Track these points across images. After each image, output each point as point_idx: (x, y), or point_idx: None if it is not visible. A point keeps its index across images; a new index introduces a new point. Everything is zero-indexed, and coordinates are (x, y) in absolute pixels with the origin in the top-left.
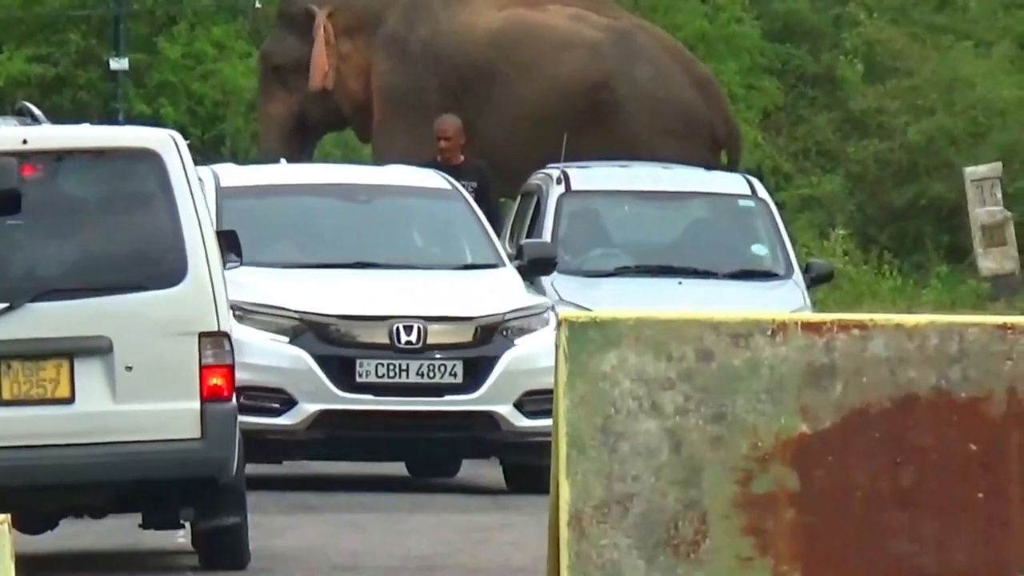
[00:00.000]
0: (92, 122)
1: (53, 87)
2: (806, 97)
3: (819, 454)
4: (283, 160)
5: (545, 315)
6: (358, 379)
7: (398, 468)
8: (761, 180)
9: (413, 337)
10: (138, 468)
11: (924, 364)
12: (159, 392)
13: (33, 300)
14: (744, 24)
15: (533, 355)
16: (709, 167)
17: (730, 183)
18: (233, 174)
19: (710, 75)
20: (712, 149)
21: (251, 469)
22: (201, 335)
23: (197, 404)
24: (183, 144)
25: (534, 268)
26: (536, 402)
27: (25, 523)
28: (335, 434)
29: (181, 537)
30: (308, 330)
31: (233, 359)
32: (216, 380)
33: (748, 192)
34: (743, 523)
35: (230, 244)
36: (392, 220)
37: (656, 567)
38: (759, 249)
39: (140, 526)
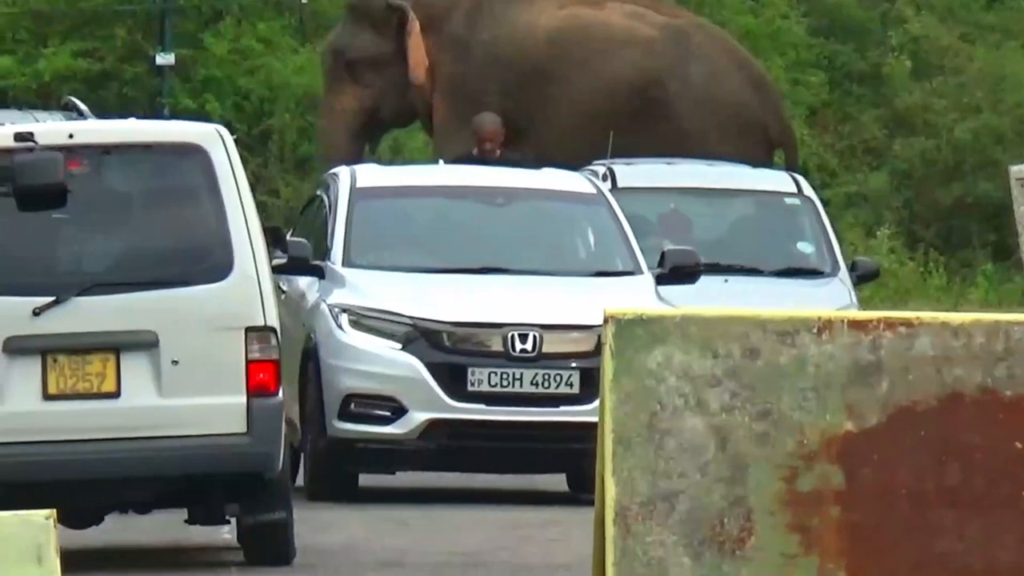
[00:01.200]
0: (138, 117)
1: (99, 82)
2: (852, 94)
3: (865, 452)
4: (366, 160)
5: None
6: (470, 388)
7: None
8: (807, 177)
9: (528, 345)
10: (184, 463)
11: (970, 362)
12: (205, 387)
13: (79, 294)
14: (790, 20)
15: None
16: (761, 165)
17: (776, 181)
18: (371, 174)
19: (766, 75)
20: (766, 149)
21: (362, 480)
22: (247, 330)
23: (243, 399)
24: (229, 139)
25: (676, 276)
26: None
27: (71, 518)
28: (445, 444)
29: (227, 533)
30: (420, 337)
31: (279, 354)
32: (262, 375)
33: (794, 190)
34: (788, 520)
35: (275, 240)
36: (528, 224)
37: (702, 564)
38: (805, 247)
39: (186, 521)
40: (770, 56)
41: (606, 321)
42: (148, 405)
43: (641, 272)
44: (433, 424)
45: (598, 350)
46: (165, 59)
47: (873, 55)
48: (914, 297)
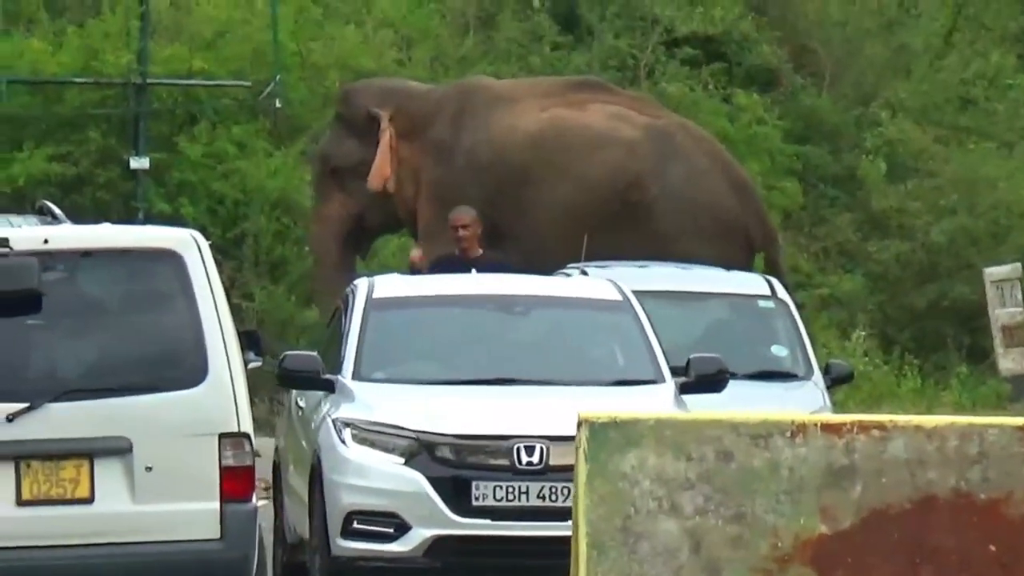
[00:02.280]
0: (112, 221)
1: (73, 186)
2: (827, 196)
3: (839, 555)
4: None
5: None
6: (474, 503)
7: None
8: (781, 280)
9: (535, 458)
10: (158, 569)
11: (944, 465)
12: (179, 493)
13: (53, 400)
14: (765, 125)
15: None
16: (741, 269)
17: (749, 283)
18: (390, 285)
19: (748, 178)
20: (746, 251)
21: None
22: (221, 436)
23: (217, 505)
24: (204, 244)
25: (701, 383)
26: None
27: None
28: (451, 561)
29: None
30: (423, 450)
31: (253, 460)
32: (236, 481)
33: (768, 292)
34: None
35: (251, 343)
36: (547, 333)
37: None
38: (779, 350)
39: None
40: (746, 161)
41: (580, 424)
42: (122, 511)
43: (663, 380)
44: (438, 541)
45: None
46: (139, 163)
47: (848, 158)
48: (888, 400)
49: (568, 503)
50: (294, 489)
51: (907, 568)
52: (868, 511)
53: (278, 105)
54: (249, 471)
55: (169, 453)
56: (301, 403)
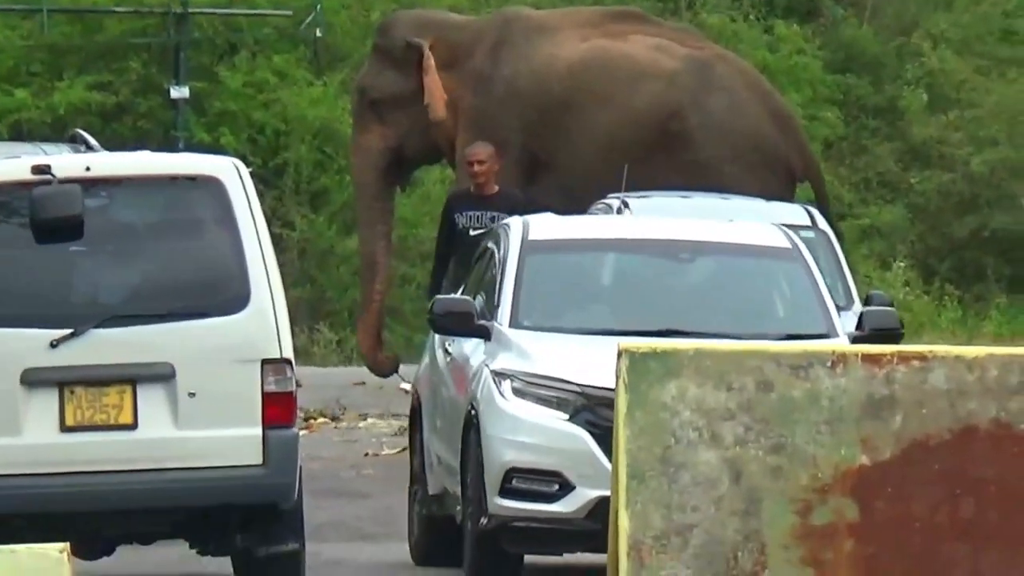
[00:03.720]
0: (152, 150)
1: (113, 115)
2: (868, 128)
3: (879, 485)
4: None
5: None
6: None
7: None
8: (822, 210)
9: None
10: (201, 494)
11: (984, 396)
12: (221, 419)
13: (96, 326)
14: (806, 55)
15: None
16: (781, 199)
17: (790, 213)
18: (545, 226)
19: (789, 108)
20: (786, 182)
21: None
22: (264, 362)
23: (259, 431)
24: (245, 171)
25: (875, 339)
26: None
27: (82, 549)
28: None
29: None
30: (590, 406)
31: (295, 386)
32: (278, 407)
33: (808, 223)
34: (802, 554)
35: None
36: (714, 282)
37: None
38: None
39: (197, 552)
40: (787, 91)
41: (620, 355)
42: (164, 437)
43: (836, 335)
44: (602, 502)
45: None
46: (180, 92)
47: (889, 89)
48: (928, 330)
49: None
50: (441, 441)
51: (947, 498)
52: (908, 442)
53: (319, 34)
54: (291, 397)
55: (212, 379)
56: (450, 348)
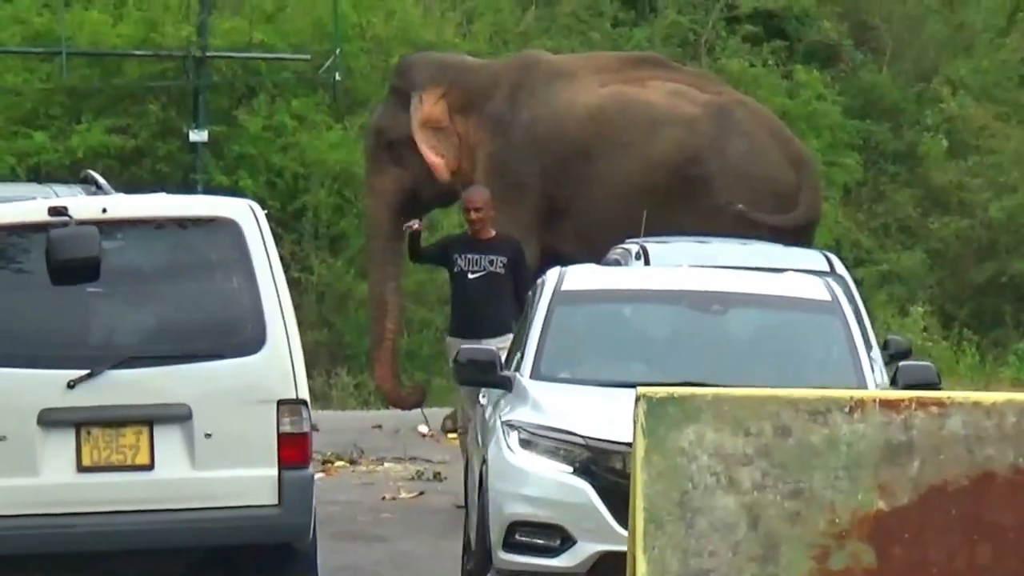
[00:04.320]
0: (170, 193)
1: (132, 158)
2: (887, 173)
3: (896, 531)
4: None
5: None
6: None
7: None
8: (840, 257)
9: None
10: (217, 535)
11: (1002, 442)
12: (237, 459)
13: (114, 367)
14: (826, 101)
15: None
16: (798, 244)
17: (809, 260)
18: (580, 276)
19: (807, 154)
20: (803, 227)
21: None
22: (279, 403)
23: (275, 471)
24: (261, 213)
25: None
26: None
27: None
28: None
29: None
30: (594, 459)
31: (311, 426)
32: (294, 447)
33: (827, 269)
34: None
35: None
36: (743, 335)
37: None
38: None
39: None
40: (806, 137)
41: (637, 400)
42: (181, 477)
43: (865, 387)
44: (605, 557)
45: None
46: (199, 136)
47: (909, 134)
48: (946, 376)
49: None
50: (469, 493)
51: (965, 544)
52: (926, 487)
53: (338, 78)
54: (306, 438)
55: (228, 420)
56: (483, 400)
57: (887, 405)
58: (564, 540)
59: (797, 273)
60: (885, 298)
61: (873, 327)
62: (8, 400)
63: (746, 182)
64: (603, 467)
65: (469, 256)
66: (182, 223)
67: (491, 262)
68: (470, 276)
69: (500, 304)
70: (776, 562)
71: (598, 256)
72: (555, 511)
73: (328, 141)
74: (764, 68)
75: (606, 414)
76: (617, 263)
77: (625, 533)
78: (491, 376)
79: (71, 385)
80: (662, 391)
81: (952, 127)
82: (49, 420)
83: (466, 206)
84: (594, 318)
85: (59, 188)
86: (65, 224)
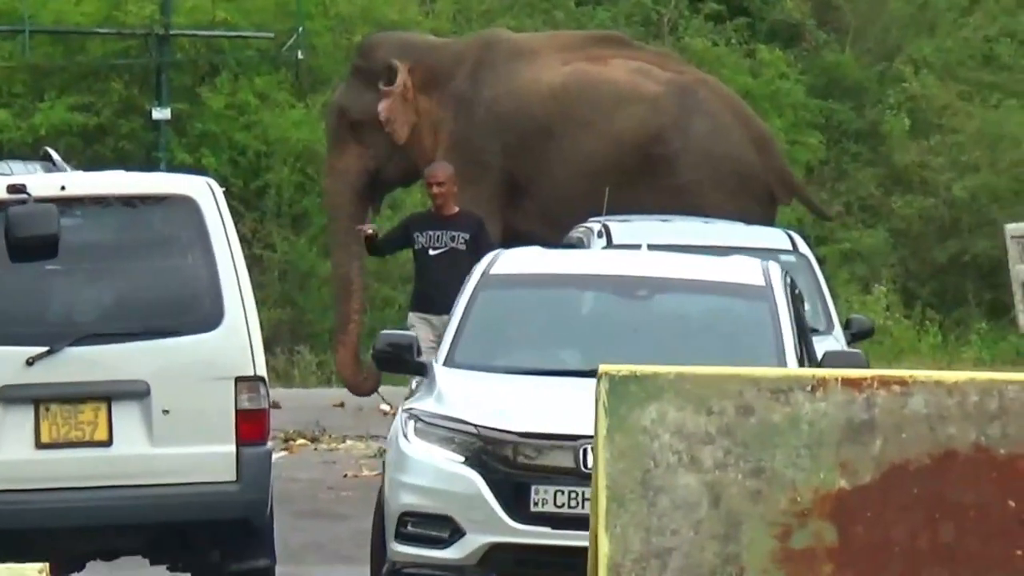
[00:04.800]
0: (133, 171)
1: (95, 136)
2: (850, 152)
3: (858, 510)
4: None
5: None
6: (533, 508)
7: None
8: (803, 235)
9: None
10: (175, 511)
11: (964, 420)
12: (195, 436)
13: (72, 344)
14: (788, 80)
15: None
16: (762, 223)
17: (771, 238)
18: (513, 260)
19: (769, 133)
20: (767, 206)
21: None
22: (237, 379)
23: (233, 448)
24: (219, 191)
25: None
26: None
27: (54, 566)
28: (507, 570)
29: None
30: (485, 449)
31: (268, 403)
32: (251, 424)
33: (789, 247)
34: None
35: None
36: (665, 321)
37: None
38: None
39: (168, 568)
40: (769, 116)
41: (600, 377)
42: (139, 453)
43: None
44: (494, 548)
45: None
46: (161, 113)
47: (871, 113)
48: (908, 355)
49: None
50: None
51: (926, 523)
52: (888, 466)
53: (300, 56)
54: (264, 414)
55: (186, 396)
56: (413, 386)
57: (849, 384)
58: (453, 532)
59: (742, 256)
60: (847, 277)
61: (835, 305)
62: None
63: (709, 161)
64: (494, 457)
65: (430, 232)
66: (140, 200)
67: (452, 238)
68: (431, 252)
69: (461, 280)
70: (738, 540)
71: (561, 235)
72: (444, 501)
73: (291, 119)
74: (727, 47)
75: (506, 403)
76: (580, 242)
77: (514, 525)
78: (408, 362)
79: (30, 362)
80: (623, 368)
81: (915, 106)
82: (8, 397)
83: (428, 180)
84: (516, 304)
85: (16, 165)
86: (23, 201)
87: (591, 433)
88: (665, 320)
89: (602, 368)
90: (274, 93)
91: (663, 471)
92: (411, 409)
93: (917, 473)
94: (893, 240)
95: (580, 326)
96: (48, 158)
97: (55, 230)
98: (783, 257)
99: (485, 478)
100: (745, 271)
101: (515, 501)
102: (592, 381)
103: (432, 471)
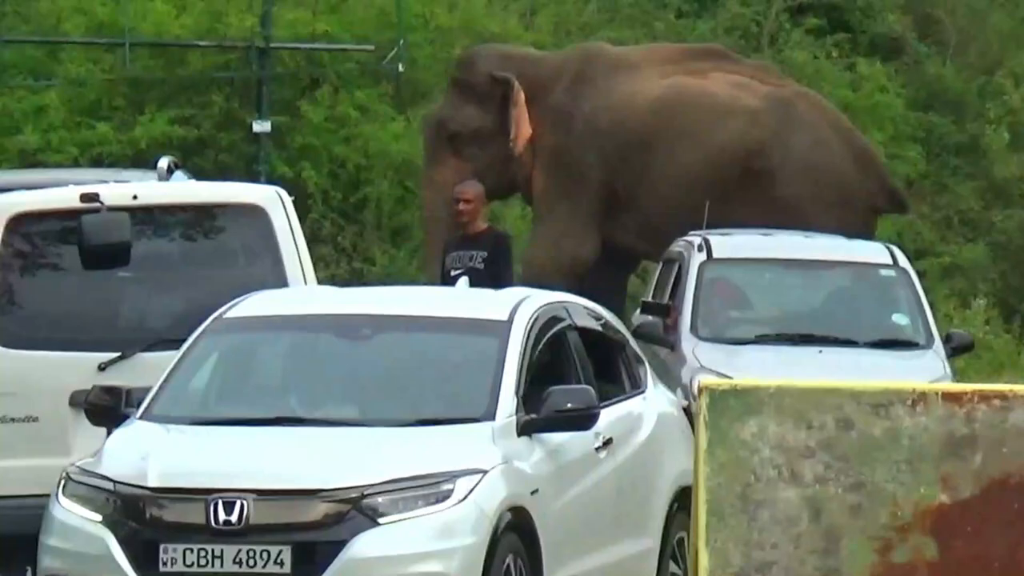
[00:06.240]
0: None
1: (195, 149)
2: (949, 166)
3: (958, 524)
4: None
5: (446, 486)
6: (163, 568)
7: None
8: (902, 249)
9: (234, 516)
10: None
11: None
12: None
13: (144, 350)
14: (888, 93)
15: (401, 539)
16: (862, 237)
17: (871, 252)
18: (247, 305)
19: (869, 145)
20: (867, 219)
21: None
22: None
23: None
24: (288, 200)
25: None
26: None
27: None
28: None
29: None
30: (120, 506)
31: None
32: None
33: (889, 261)
34: None
35: None
36: (383, 363)
37: None
38: (900, 318)
39: None
40: (868, 130)
41: (700, 392)
42: None
43: (492, 420)
44: None
45: (320, 522)
46: (262, 126)
47: (971, 127)
48: (1008, 369)
49: (268, 568)
50: None
51: None
52: (988, 481)
53: (401, 69)
54: None
55: None
56: None
57: (950, 398)
58: None
59: (514, 291)
60: (947, 291)
61: (935, 320)
62: (41, 382)
63: (809, 174)
64: (128, 514)
65: (454, 254)
66: (211, 209)
67: (471, 258)
68: (452, 274)
69: None
70: (838, 555)
71: (660, 249)
72: (78, 564)
73: (391, 132)
74: (827, 60)
75: (139, 454)
76: (680, 256)
77: None
78: (115, 414)
79: (102, 368)
80: (724, 383)
81: (1015, 120)
82: (81, 402)
83: (455, 197)
84: (234, 349)
85: (128, 173)
86: (97, 210)
87: (224, 486)
88: (384, 361)
89: (703, 382)
90: (374, 106)
91: (763, 485)
92: (68, 467)
93: (1018, 488)
94: (993, 254)
95: (292, 370)
96: (170, 167)
97: (127, 238)
98: (883, 271)
99: (118, 537)
100: (493, 306)
101: (145, 560)
102: (292, 428)
103: (71, 532)
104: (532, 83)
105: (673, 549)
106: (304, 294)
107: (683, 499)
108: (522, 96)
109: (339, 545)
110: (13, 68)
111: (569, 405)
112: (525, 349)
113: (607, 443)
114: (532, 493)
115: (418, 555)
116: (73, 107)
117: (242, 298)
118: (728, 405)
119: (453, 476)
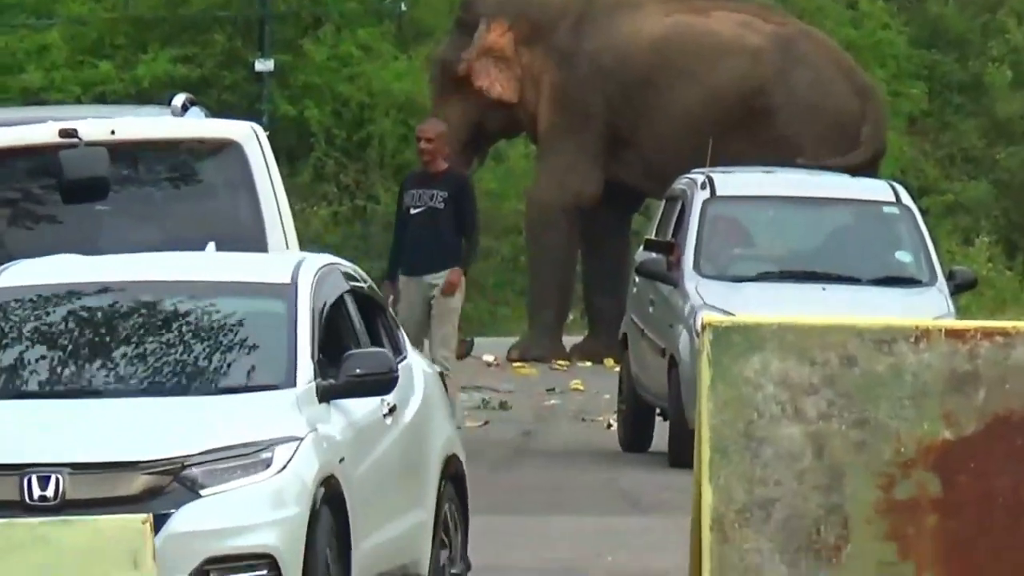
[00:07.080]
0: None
1: (198, 88)
2: (952, 104)
3: (962, 460)
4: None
5: (265, 454)
6: None
7: (535, 474)
8: (906, 186)
9: (49, 491)
10: None
11: None
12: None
13: None
14: (891, 31)
15: (224, 510)
16: (863, 174)
17: (874, 190)
18: (18, 273)
19: (872, 85)
20: (869, 156)
21: None
22: None
23: None
24: (264, 136)
25: None
26: (222, 572)
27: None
28: None
29: None
30: None
31: None
32: None
33: (892, 199)
34: (885, 528)
35: None
36: (164, 331)
37: (798, 572)
38: (903, 256)
39: None
40: (871, 67)
41: (704, 328)
42: None
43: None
44: None
45: (139, 495)
46: (264, 65)
47: (974, 65)
48: (1012, 306)
49: None
50: None
51: None
52: (991, 417)
53: (403, 8)
54: None
55: None
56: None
57: (952, 335)
58: None
59: (283, 255)
60: (950, 228)
61: (938, 257)
62: None
63: (811, 113)
64: None
65: (414, 192)
66: (188, 145)
67: (431, 197)
68: (412, 211)
69: (437, 240)
70: (841, 491)
71: (664, 186)
72: None
73: (394, 71)
74: None
75: None
76: (683, 193)
77: None
78: None
79: None
80: (726, 320)
81: (1018, 58)
82: None
83: (418, 136)
84: (14, 322)
85: (150, 109)
86: (75, 145)
87: (41, 460)
88: (174, 329)
89: (706, 319)
90: (377, 45)
91: (766, 422)
92: None
93: (1020, 424)
94: (996, 191)
95: (79, 341)
96: (187, 105)
97: (105, 173)
98: (886, 209)
99: None
100: (272, 269)
101: None
102: (71, 402)
103: None
104: (535, 23)
105: (445, 518)
106: (72, 263)
107: (449, 467)
108: (492, 37)
109: (160, 519)
110: (15, 7)
111: (367, 369)
112: (314, 312)
113: (392, 410)
114: (340, 461)
115: (242, 528)
116: (75, 46)
117: (8, 266)
118: (731, 342)
119: (271, 444)
